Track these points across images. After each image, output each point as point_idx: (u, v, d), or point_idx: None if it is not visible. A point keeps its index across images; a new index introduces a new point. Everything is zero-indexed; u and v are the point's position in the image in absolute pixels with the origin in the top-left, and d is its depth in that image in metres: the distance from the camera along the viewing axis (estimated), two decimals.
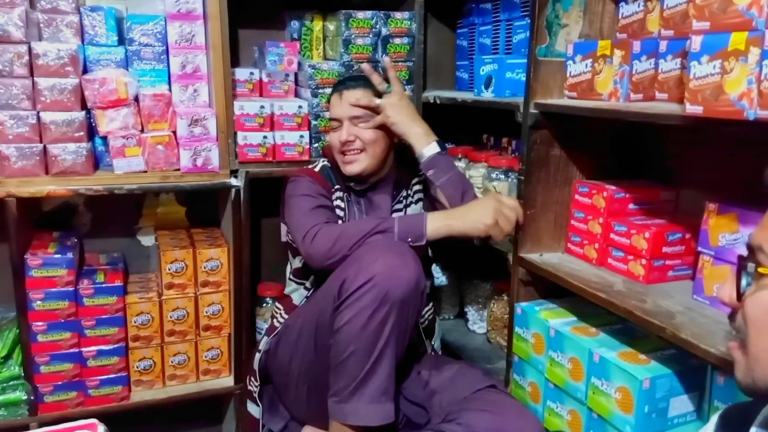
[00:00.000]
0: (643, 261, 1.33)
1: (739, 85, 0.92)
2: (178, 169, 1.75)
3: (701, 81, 0.98)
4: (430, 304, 1.75)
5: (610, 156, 1.58)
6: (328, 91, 1.84)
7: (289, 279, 1.73)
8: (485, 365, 1.80)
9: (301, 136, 1.86)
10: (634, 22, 1.37)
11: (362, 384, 1.36)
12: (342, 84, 1.62)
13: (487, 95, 1.72)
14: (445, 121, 1.84)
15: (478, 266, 2.05)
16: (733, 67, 0.93)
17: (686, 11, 1.16)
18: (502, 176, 1.74)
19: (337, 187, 1.63)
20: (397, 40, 1.97)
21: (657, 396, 1.21)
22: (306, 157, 1.87)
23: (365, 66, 1.67)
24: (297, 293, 1.69)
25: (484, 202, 1.50)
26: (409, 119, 1.59)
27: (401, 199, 1.68)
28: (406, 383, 1.60)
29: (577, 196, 1.52)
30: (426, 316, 1.72)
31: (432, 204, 1.66)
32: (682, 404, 1.23)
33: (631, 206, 1.44)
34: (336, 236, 1.44)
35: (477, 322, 2.03)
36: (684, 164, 1.48)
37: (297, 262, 1.67)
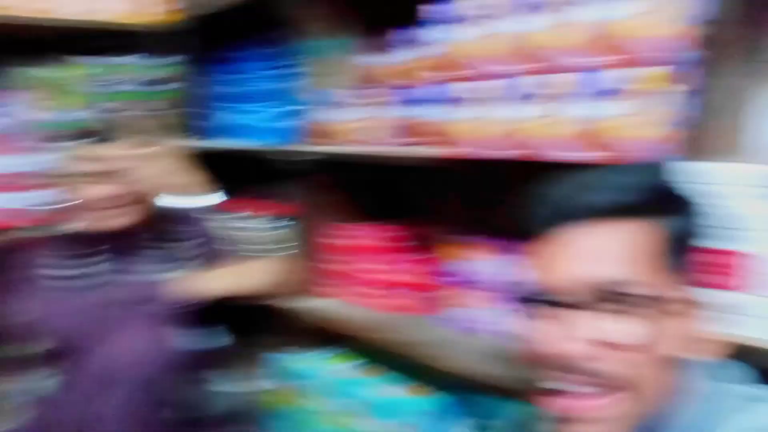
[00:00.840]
0: (413, 295, 1.39)
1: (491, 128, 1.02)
2: None
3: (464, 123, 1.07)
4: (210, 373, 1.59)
5: (367, 198, 1.61)
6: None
7: None
8: None
9: None
10: None
11: None
12: None
13: (253, 143, 1.68)
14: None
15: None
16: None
17: None
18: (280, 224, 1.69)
19: None
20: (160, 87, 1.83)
21: (440, 428, 1.24)
22: None
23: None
24: None
25: (265, 262, 1.47)
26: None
27: None
28: None
29: (341, 240, 1.52)
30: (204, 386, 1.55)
31: None
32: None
33: (395, 244, 1.48)
34: None
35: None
36: (438, 201, 1.56)
37: None
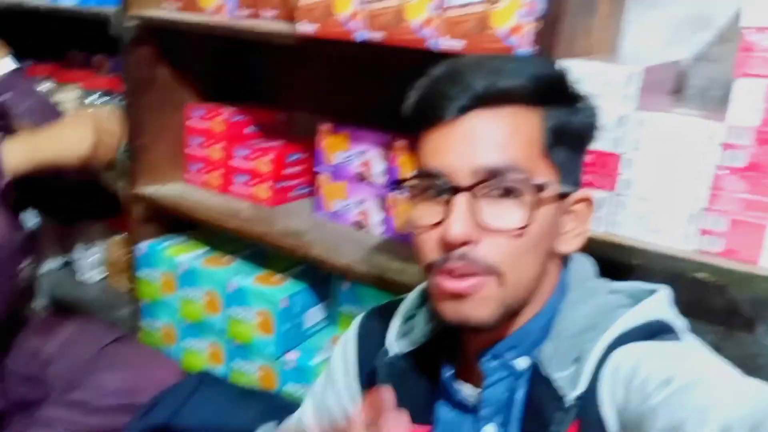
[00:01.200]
0: (269, 183, 1.32)
1: (348, 5, 0.94)
2: None
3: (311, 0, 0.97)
4: (28, 259, 1.44)
5: (219, 77, 1.49)
6: None
7: None
8: (107, 316, 1.60)
9: None
10: None
11: None
12: None
13: (69, 2, 1.42)
14: (12, 34, 1.46)
15: (84, 204, 1.77)
16: None
17: None
18: (100, 100, 1.49)
19: None
20: None
21: (294, 312, 1.25)
22: None
23: None
24: None
25: (77, 119, 1.22)
26: None
27: None
28: (10, 357, 1.31)
29: (191, 122, 1.40)
30: (24, 273, 1.41)
31: None
32: (315, 314, 1.31)
33: (247, 129, 1.41)
34: None
35: (89, 269, 1.78)
36: (293, 86, 1.49)
37: None
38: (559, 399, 0.59)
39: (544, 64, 0.64)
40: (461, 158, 0.59)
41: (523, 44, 0.81)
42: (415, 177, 0.63)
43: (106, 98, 1.50)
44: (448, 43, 0.87)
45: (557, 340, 0.63)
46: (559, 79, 0.63)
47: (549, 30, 0.81)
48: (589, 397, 0.58)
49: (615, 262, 0.81)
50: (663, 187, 0.80)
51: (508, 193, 0.59)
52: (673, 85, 0.98)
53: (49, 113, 1.30)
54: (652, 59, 0.90)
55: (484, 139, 0.59)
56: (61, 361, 1.31)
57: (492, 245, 0.59)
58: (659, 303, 0.64)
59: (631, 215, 0.83)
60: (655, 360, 0.56)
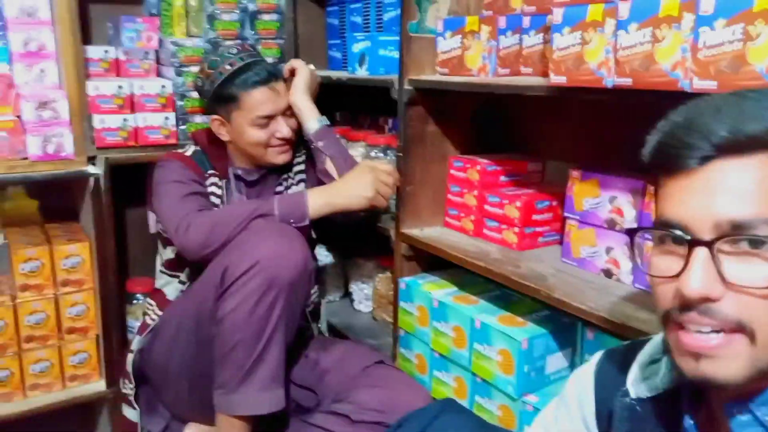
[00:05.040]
0: (516, 229, 1.39)
1: (597, 55, 0.98)
2: (26, 158, 1.57)
3: (564, 52, 1.03)
4: (316, 287, 1.73)
5: (480, 131, 1.63)
6: (194, 69, 1.74)
7: (161, 272, 1.62)
8: (372, 342, 1.81)
9: (166, 118, 1.74)
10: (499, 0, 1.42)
11: (251, 372, 1.32)
12: (262, 75, 1.48)
13: (362, 73, 1.71)
14: (320, 101, 1.81)
15: (361, 245, 2.06)
16: (591, 37, 0.98)
17: None
18: (381, 154, 1.74)
19: (210, 172, 1.55)
20: (266, 17, 1.91)
21: (535, 355, 1.27)
22: (173, 141, 1.76)
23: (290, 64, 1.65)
24: (170, 287, 1.59)
25: (360, 173, 1.49)
26: (303, 93, 1.58)
27: (282, 181, 1.64)
28: (294, 368, 1.57)
29: (452, 171, 1.55)
30: (312, 298, 1.69)
31: (317, 183, 1.63)
32: (557, 361, 1.31)
33: (502, 178, 1.50)
34: (212, 224, 1.37)
35: (362, 301, 2.04)
36: (547, 136, 1.56)
37: (169, 253, 1.57)
38: None
39: None
40: (702, 210, 0.57)
41: None
42: (653, 227, 0.62)
43: (386, 153, 1.74)
44: (701, 84, 0.85)
45: None
46: None
47: None
48: None
49: None
50: None
51: (757, 245, 0.55)
52: None
53: (348, 159, 1.59)
54: None
55: (727, 190, 0.56)
56: (333, 375, 1.53)
57: (739, 301, 0.56)
58: None
59: None
60: None
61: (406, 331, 1.59)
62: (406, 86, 1.49)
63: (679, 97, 0.76)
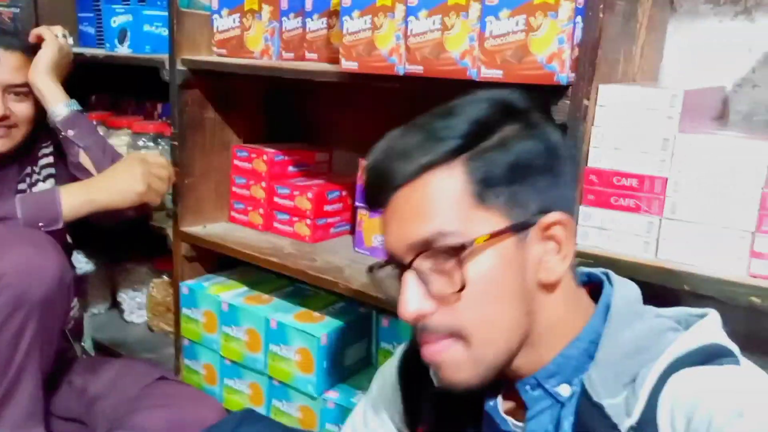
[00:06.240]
0: (308, 221, 1.34)
1: (388, 41, 0.96)
2: None
3: (354, 37, 1.00)
4: (75, 300, 1.48)
5: (264, 118, 1.54)
6: None
7: None
8: (150, 356, 1.62)
9: None
10: None
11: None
12: None
13: (124, 50, 1.50)
14: (70, 81, 1.55)
15: (129, 247, 1.82)
16: (382, 23, 0.96)
17: None
18: (151, 143, 1.55)
19: None
20: None
21: (334, 350, 1.24)
22: None
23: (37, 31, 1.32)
24: None
25: (128, 166, 1.28)
26: (46, 73, 1.29)
27: (24, 177, 1.36)
28: (55, 398, 1.32)
29: (236, 161, 1.44)
30: (72, 314, 1.44)
31: (71, 179, 1.37)
32: (355, 352, 1.30)
33: (290, 168, 1.44)
34: None
35: (134, 311, 1.81)
36: (336, 125, 1.53)
37: None
38: (614, 427, 0.57)
39: (484, 102, 0.62)
40: (397, 238, 0.62)
41: (563, 70, 0.82)
42: (385, 261, 0.67)
43: (156, 142, 1.55)
44: (488, 72, 0.88)
45: (604, 365, 0.60)
46: (489, 120, 0.61)
47: (589, 56, 0.82)
48: (645, 426, 0.56)
49: (662, 288, 0.79)
50: (711, 209, 0.78)
51: (448, 258, 0.59)
52: (717, 111, 0.96)
53: (108, 151, 1.36)
54: (694, 84, 0.89)
55: (407, 215, 0.61)
56: (106, 400, 1.32)
57: (446, 312, 0.60)
58: (712, 326, 0.61)
59: (678, 239, 0.80)
60: (720, 389, 0.53)
61: (191, 340, 1.45)
62: (180, 66, 1.34)
63: (468, 86, 0.78)
